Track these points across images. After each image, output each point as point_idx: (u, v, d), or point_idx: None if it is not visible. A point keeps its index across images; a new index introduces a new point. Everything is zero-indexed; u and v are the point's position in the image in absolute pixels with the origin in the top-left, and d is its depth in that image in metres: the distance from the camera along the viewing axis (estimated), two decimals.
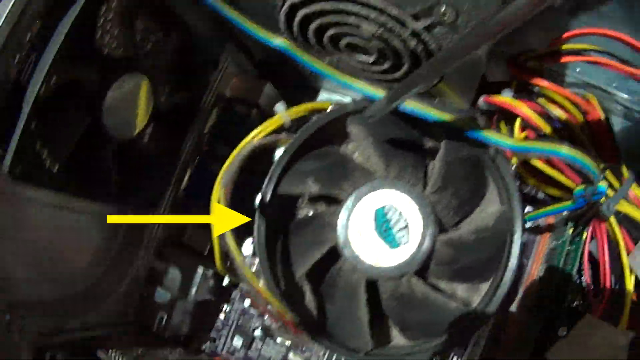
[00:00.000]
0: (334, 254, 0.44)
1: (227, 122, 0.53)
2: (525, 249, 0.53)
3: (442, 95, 0.52)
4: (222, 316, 0.55)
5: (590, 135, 0.48)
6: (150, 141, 0.49)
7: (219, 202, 0.42)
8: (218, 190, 0.43)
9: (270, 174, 0.44)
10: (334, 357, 0.51)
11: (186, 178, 0.52)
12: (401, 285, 0.43)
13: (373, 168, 0.45)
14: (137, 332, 0.53)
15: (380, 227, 0.43)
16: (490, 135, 0.43)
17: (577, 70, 0.54)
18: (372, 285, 0.44)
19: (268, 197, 0.44)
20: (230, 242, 0.41)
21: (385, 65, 0.49)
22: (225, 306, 0.55)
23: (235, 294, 0.54)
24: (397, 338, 0.46)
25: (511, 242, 0.43)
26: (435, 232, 0.42)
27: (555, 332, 0.51)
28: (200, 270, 0.51)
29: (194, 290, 0.51)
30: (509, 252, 0.43)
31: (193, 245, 0.53)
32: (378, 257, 0.42)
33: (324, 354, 0.51)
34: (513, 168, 0.44)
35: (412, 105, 0.43)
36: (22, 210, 0.42)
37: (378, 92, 0.44)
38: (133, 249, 0.52)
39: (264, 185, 0.44)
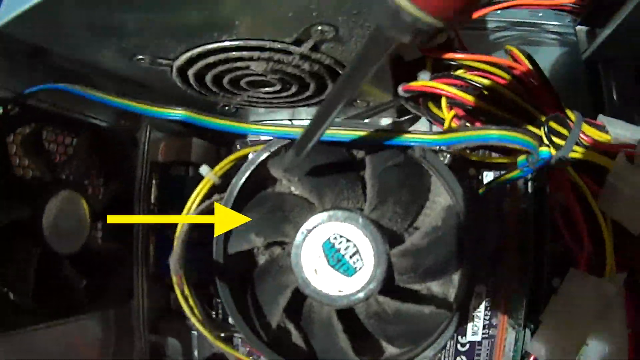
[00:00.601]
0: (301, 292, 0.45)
1: (168, 188, 0.53)
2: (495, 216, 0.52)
3: (362, 93, 0.50)
4: None
5: (524, 91, 0.45)
6: (103, 239, 0.50)
7: (177, 288, 0.43)
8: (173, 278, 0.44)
9: (215, 241, 0.45)
10: None
11: (152, 255, 0.53)
12: (371, 305, 0.43)
13: (310, 201, 0.45)
14: None
15: (332, 258, 0.42)
16: (412, 137, 0.41)
17: (498, 12, 0.51)
18: (347, 310, 0.45)
19: (221, 261, 0.45)
20: (191, 317, 0.42)
21: (293, 89, 0.48)
22: None
23: (237, 340, 0.56)
24: (389, 348, 0.47)
25: (468, 231, 0.42)
26: (386, 248, 0.41)
27: (549, 284, 0.51)
28: (195, 333, 0.53)
29: (196, 352, 0.54)
30: (470, 241, 0.42)
31: (181, 310, 0.55)
32: (340, 287, 0.42)
33: None
34: (447, 159, 0.43)
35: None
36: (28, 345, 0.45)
37: (285, 130, 0.43)
38: (128, 334, 0.54)
39: (213, 252, 0.45)
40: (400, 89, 0.46)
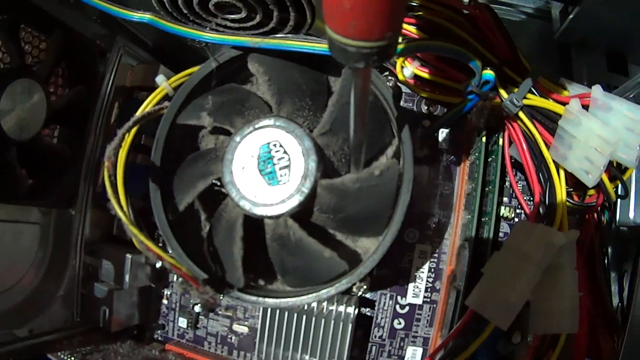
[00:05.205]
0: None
1: (130, 110, 0.53)
2: (446, 171, 0.51)
3: (319, 32, 0.51)
4: (165, 301, 0.55)
5: (477, 34, 0.45)
6: (58, 141, 0.50)
7: (107, 172, 0.43)
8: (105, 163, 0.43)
9: (171, 103, 0.45)
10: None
11: (101, 177, 0.53)
12: (279, 226, 0.41)
13: (268, 106, 0.44)
14: (85, 331, 0.53)
15: (264, 163, 0.41)
16: None
17: None
18: (257, 225, 0.42)
19: (168, 125, 0.45)
20: (112, 198, 0.41)
21: (258, 18, 0.49)
22: (166, 291, 0.55)
23: (173, 275, 0.54)
24: (278, 283, 0.45)
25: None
26: (316, 175, 0.40)
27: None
28: (128, 256, 0.52)
29: (127, 277, 0.52)
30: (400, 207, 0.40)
31: (123, 237, 0.54)
32: (258, 194, 0.40)
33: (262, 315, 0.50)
34: (391, 82, 0.43)
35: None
36: None
37: (242, 40, 0.44)
38: (65, 252, 0.53)
39: (165, 114, 0.45)
40: None
